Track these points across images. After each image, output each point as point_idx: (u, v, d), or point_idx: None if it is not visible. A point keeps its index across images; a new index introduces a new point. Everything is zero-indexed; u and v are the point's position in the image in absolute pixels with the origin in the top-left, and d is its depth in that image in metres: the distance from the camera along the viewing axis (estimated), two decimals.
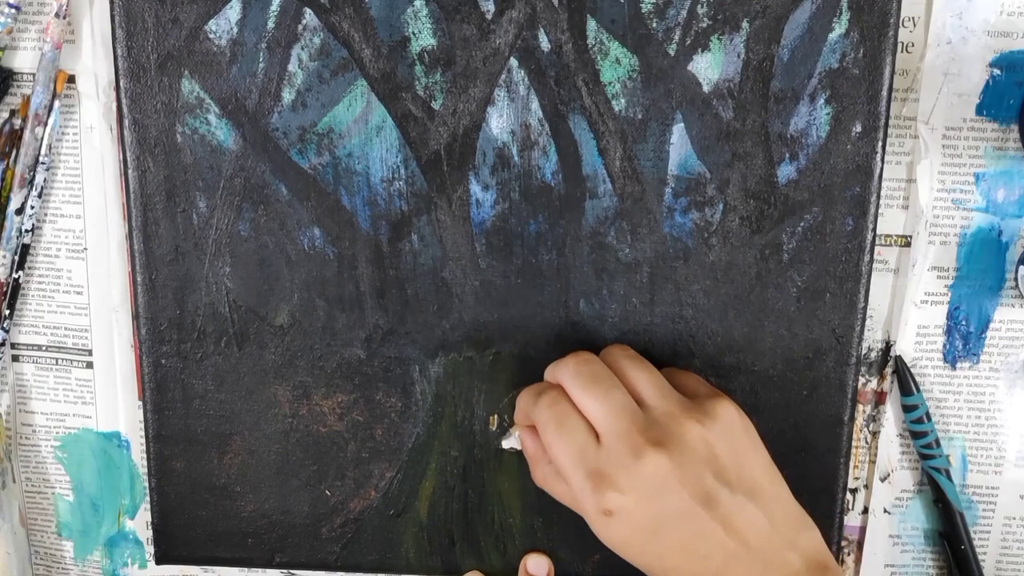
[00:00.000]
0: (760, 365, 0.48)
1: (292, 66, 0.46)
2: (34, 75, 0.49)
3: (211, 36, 0.46)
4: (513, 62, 0.46)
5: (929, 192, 0.48)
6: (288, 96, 0.47)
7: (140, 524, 0.56)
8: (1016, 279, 0.49)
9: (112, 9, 0.46)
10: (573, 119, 0.46)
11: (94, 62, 0.49)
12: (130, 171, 0.48)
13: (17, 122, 0.50)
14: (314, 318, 0.49)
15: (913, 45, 0.47)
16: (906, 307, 0.50)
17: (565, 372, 0.43)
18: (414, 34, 0.46)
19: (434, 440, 0.50)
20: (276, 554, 0.52)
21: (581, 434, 0.41)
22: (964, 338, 0.50)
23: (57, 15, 0.48)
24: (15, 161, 0.50)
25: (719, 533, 0.40)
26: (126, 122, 0.47)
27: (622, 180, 0.46)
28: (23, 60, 0.50)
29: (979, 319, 0.50)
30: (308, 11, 0.46)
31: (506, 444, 0.49)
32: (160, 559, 0.53)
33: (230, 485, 0.51)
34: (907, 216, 0.49)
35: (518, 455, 0.50)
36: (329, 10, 0.46)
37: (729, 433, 0.42)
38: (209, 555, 0.53)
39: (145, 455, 0.51)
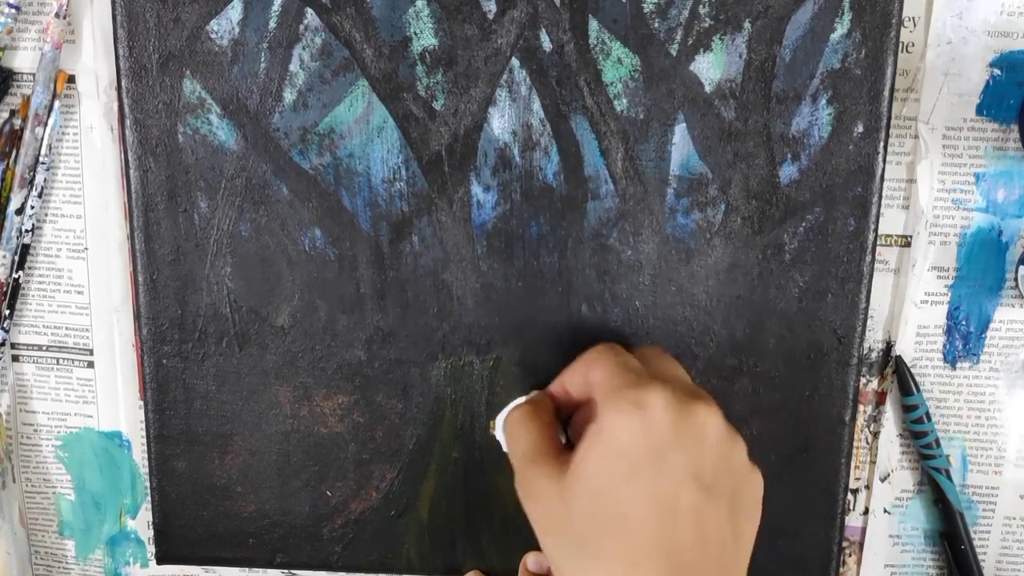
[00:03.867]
0: (762, 366, 0.48)
1: (293, 66, 0.46)
2: (34, 75, 0.49)
3: (213, 36, 0.46)
4: (515, 62, 0.46)
5: (929, 192, 0.49)
6: (289, 96, 0.47)
7: (141, 523, 0.56)
8: (1016, 279, 0.49)
9: (114, 9, 0.46)
10: (575, 119, 0.46)
11: (94, 62, 0.49)
12: (132, 171, 0.48)
13: (17, 122, 0.50)
14: (315, 319, 0.49)
15: (913, 45, 0.47)
16: (906, 307, 0.50)
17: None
18: (415, 34, 0.46)
19: (435, 442, 0.50)
20: (277, 554, 0.52)
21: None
22: (964, 338, 0.50)
23: (57, 15, 0.48)
24: (15, 161, 0.50)
25: (693, 520, 0.37)
26: (128, 122, 0.47)
27: (624, 181, 0.46)
28: (23, 60, 0.50)
29: (979, 319, 0.50)
30: (309, 11, 0.46)
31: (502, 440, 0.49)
32: (161, 559, 0.53)
33: (231, 485, 0.51)
34: (907, 216, 0.49)
35: None
36: (330, 10, 0.45)
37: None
38: (210, 555, 0.53)
39: (146, 455, 0.51)
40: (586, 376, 0.42)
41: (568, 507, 0.38)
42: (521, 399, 0.49)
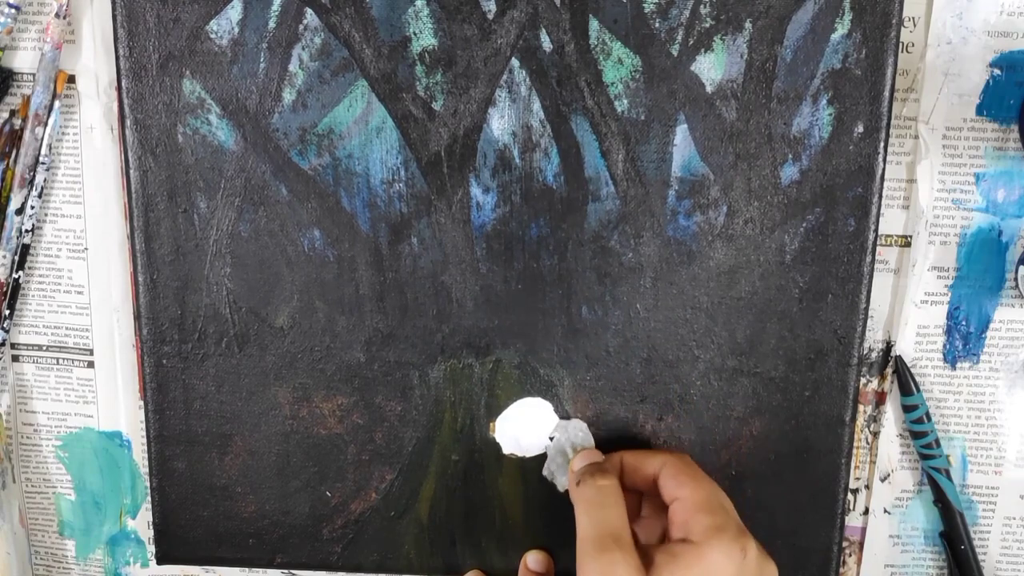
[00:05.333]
0: (763, 367, 0.48)
1: (293, 66, 0.46)
2: (34, 75, 0.49)
3: (212, 36, 0.46)
4: (514, 62, 0.46)
5: (929, 192, 0.48)
6: (289, 96, 0.46)
7: (142, 523, 0.56)
8: (1016, 279, 0.49)
9: (114, 9, 0.46)
10: (575, 120, 0.46)
11: (94, 62, 0.49)
12: (132, 171, 0.48)
13: (17, 122, 0.50)
14: (314, 320, 0.49)
15: (913, 45, 0.47)
16: (906, 307, 0.50)
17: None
18: (415, 34, 0.46)
19: (434, 444, 0.50)
20: (277, 554, 0.52)
21: None
22: (964, 338, 0.50)
23: (57, 15, 0.48)
24: (15, 161, 0.50)
25: None
26: (128, 122, 0.47)
27: (625, 182, 0.46)
28: (23, 60, 0.50)
29: (979, 319, 0.50)
30: (309, 11, 0.45)
31: (506, 449, 0.50)
32: (161, 559, 0.53)
33: (231, 486, 0.51)
34: (907, 216, 0.49)
35: (520, 460, 0.50)
36: (330, 10, 0.45)
37: None
38: (210, 555, 0.53)
39: (146, 455, 0.51)
40: (673, 485, 0.45)
41: None
42: (525, 400, 0.49)
